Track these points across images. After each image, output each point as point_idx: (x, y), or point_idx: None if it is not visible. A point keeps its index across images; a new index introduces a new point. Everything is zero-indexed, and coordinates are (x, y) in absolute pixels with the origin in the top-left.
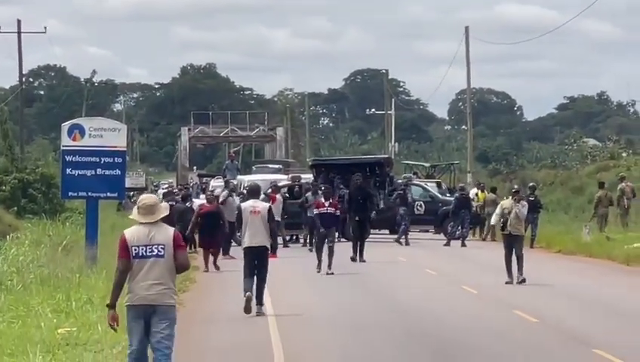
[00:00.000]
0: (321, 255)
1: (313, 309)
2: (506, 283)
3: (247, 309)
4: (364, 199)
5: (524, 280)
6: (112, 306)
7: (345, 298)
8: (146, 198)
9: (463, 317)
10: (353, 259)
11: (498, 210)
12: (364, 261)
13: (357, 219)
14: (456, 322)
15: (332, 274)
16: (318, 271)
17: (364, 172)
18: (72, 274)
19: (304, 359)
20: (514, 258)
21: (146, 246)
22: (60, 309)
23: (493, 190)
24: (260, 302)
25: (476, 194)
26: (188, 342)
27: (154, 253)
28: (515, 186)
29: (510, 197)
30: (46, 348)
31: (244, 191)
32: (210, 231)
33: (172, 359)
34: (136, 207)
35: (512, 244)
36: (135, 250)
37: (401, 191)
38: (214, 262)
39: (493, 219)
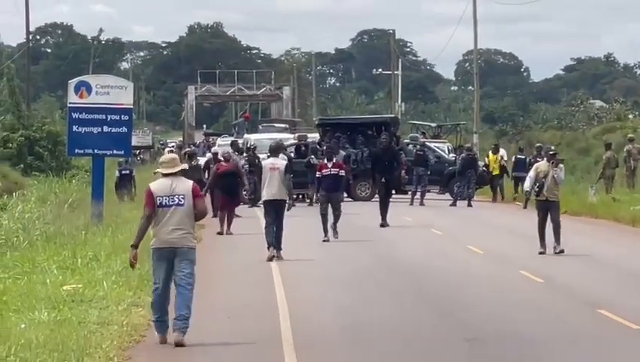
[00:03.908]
0: (326, 222)
1: (316, 265)
2: (540, 253)
3: (270, 259)
4: (391, 160)
5: (562, 251)
6: (135, 246)
7: (349, 256)
8: (166, 155)
9: (466, 275)
10: (383, 226)
11: (532, 173)
12: (388, 225)
13: (383, 180)
14: (458, 280)
15: (337, 238)
16: (326, 241)
17: (371, 131)
18: (77, 231)
19: (307, 316)
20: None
21: (168, 196)
22: (65, 266)
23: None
24: (278, 248)
25: (487, 156)
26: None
27: (175, 202)
28: (553, 148)
29: (546, 159)
30: (51, 304)
31: (250, 149)
32: (229, 191)
33: (193, 293)
34: (159, 162)
35: (547, 211)
36: (159, 199)
37: (421, 152)
38: (228, 228)
39: (527, 184)
